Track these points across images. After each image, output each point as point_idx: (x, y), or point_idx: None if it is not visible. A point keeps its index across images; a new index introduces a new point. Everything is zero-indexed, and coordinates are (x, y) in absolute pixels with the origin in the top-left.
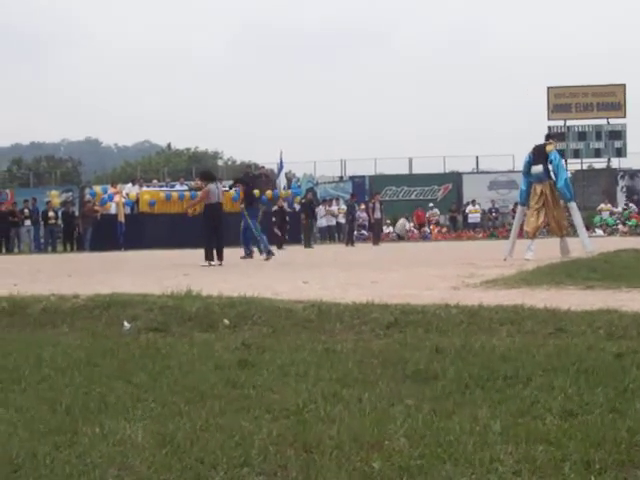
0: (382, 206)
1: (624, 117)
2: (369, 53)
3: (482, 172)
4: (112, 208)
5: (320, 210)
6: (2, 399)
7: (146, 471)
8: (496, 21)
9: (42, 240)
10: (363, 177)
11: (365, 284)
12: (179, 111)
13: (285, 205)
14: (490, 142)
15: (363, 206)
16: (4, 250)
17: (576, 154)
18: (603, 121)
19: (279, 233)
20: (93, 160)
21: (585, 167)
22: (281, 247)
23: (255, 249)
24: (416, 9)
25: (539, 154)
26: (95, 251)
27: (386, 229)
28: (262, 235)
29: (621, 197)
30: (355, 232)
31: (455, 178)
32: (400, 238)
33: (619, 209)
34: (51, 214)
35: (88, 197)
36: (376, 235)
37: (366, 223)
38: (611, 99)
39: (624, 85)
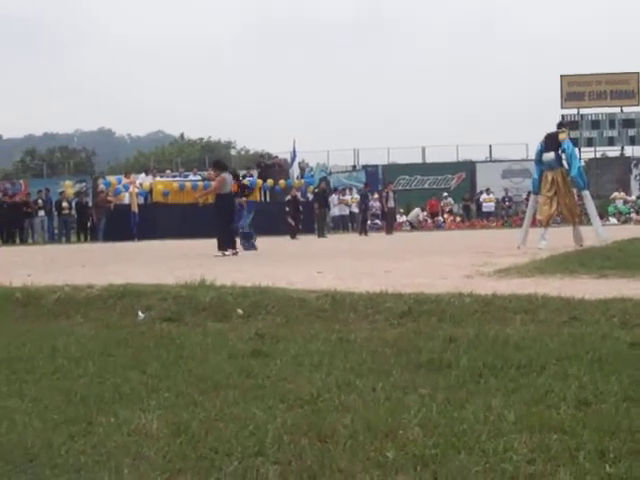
0: (395, 195)
1: (638, 105)
2: (382, 42)
3: (495, 161)
4: (125, 198)
5: (333, 199)
6: (17, 389)
7: (161, 460)
8: (510, 9)
9: (56, 231)
10: (376, 166)
11: (379, 273)
12: (192, 101)
13: (298, 195)
14: (503, 131)
15: (376, 195)
16: (18, 241)
17: (589, 142)
18: (617, 109)
19: (292, 223)
20: (106, 150)
21: (599, 155)
22: (294, 237)
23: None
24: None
25: (551, 142)
26: (108, 241)
27: (399, 218)
28: (249, 230)
29: (635, 185)
30: (368, 221)
31: (468, 167)
32: (413, 227)
33: (633, 197)
34: (65, 204)
35: (101, 187)
36: (389, 224)
37: (379, 212)
38: (625, 87)
39: (638, 73)
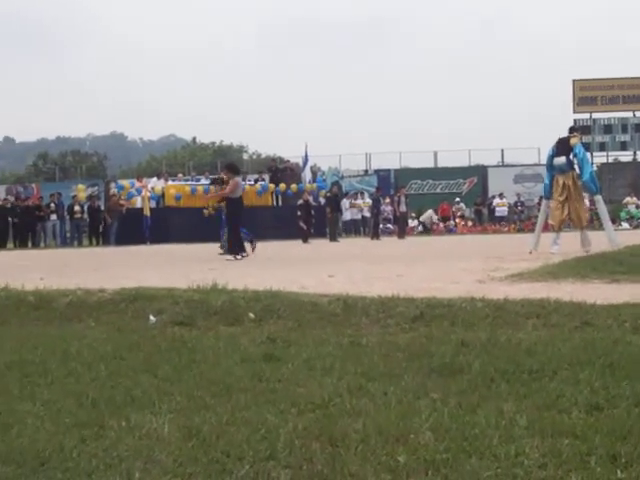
0: (407, 200)
1: None
2: (395, 46)
3: (507, 165)
4: (137, 202)
5: (344, 203)
6: (29, 393)
7: (172, 464)
8: (522, 13)
9: (68, 234)
10: (388, 171)
11: (391, 277)
12: (204, 105)
13: (310, 199)
14: (515, 135)
15: (388, 200)
16: (30, 244)
17: (602, 147)
18: (629, 114)
19: (304, 227)
20: (119, 154)
21: (611, 160)
22: (306, 241)
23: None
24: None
25: (563, 146)
26: (121, 245)
27: (411, 222)
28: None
29: None
30: (380, 226)
31: (480, 171)
32: (425, 228)
33: None
34: (77, 208)
35: (113, 191)
36: (401, 229)
37: (391, 217)
38: (637, 92)
39: None
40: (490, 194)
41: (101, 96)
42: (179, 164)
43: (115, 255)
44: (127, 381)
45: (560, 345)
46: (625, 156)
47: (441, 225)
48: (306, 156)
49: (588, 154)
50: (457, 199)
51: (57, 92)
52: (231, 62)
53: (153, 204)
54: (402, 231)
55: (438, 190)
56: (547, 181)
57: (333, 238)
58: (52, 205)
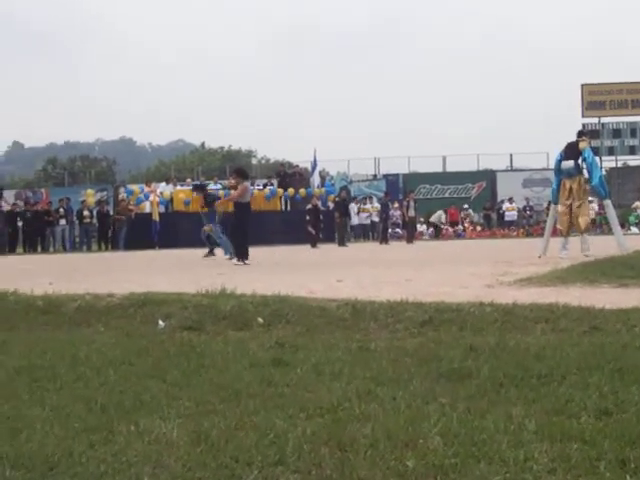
0: (416, 204)
1: None
2: (402, 50)
3: (516, 170)
4: (146, 207)
5: (352, 208)
6: (38, 398)
7: (181, 469)
8: (530, 16)
9: (77, 239)
10: (397, 175)
11: (399, 282)
12: (213, 110)
13: (319, 203)
14: (524, 140)
15: (397, 204)
16: (40, 249)
17: (611, 151)
18: (638, 118)
19: (313, 231)
20: (127, 159)
21: (620, 165)
22: (315, 245)
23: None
24: (450, 2)
25: (571, 150)
26: (130, 250)
27: (420, 227)
28: (222, 237)
29: None
30: (389, 230)
31: (489, 176)
32: (436, 228)
33: None
34: (86, 213)
35: (122, 196)
36: (410, 233)
37: (400, 221)
38: None
39: None
40: (499, 199)
41: (110, 101)
42: (188, 169)
43: (124, 260)
44: (136, 386)
45: (569, 350)
46: (634, 160)
47: (450, 230)
48: (315, 161)
49: (597, 158)
50: (465, 205)
51: (66, 97)
52: (240, 67)
53: (162, 209)
54: (411, 236)
55: (447, 195)
56: (555, 186)
57: (342, 243)
58: (61, 210)
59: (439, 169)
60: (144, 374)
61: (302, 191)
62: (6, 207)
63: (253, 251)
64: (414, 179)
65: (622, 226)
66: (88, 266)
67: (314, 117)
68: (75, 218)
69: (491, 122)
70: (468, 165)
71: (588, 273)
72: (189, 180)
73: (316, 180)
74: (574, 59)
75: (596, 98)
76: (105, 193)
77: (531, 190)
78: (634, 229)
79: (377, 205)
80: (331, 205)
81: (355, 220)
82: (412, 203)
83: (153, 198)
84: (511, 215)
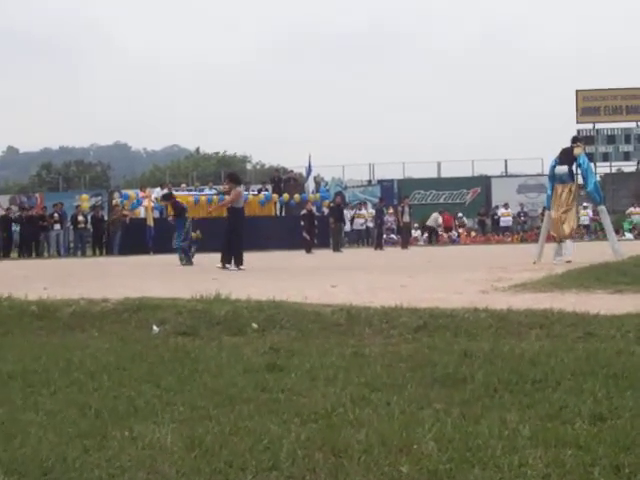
0: (411, 210)
1: None
2: (397, 56)
3: (511, 175)
4: (141, 212)
5: (345, 214)
6: (32, 403)
7: (175, 475)
8: (525, 23)
9: (71, 244)
10: (392, 181)
11: (394, 288)
12: (208, 115)
13: (313, 209)
14: (519, 146)
15: (391, 210)
16: (34, 254)
17: (605, 157)
18: (632, 124)
19: (307, 237)
20: (122, 164)
21: (614, 170)
22: (310, 251)
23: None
24: (445, 10)
25: (566, 156)
26: (124, 255)
27: (415, 233)
28: (181, 245)
29: None
30: (384, 236)
31: (484, 182)
32: (432, 232)
33: None
34: (80, 218)
35: (116, 201)
36: (405, 239)
37: (394, 227)
38: None
39: None
40: (493, 204)
41: (105, 106)
42: (183, 174)
43: (118, 265)
44: (130, 391)
45: (563, 355)
46: (628, 166)
47: (444, 235)
48: (309, 166)
49: (592, 164)
50: (459, 214)
51: (61, 102)
52: (234, 73)
53: (157, 214)
54: (405, 241)
55: (441, 200)
56: (549, 192)
57: (336, 248)
58: (56, 215)
59: (434, 175)
60: (138, 379)
61: (297, 196)
62: (0, 212)
63: (247, 256)
64: (409, 185)
65: (616, 232)
66: (82, 271)
67: (309, 123)
68: (70, 223)
69: (486, 128)
70: (463, 171)
71: (583, 279)
72: (184, 185)
73: (311, 186)
74: (569, 66)
75: (591, 104)
76: (100, 198)
77: (526, 196)
78: (628, 235)
79: (372, 211)
80: (326, 211)
81: (347, 226)
82: (407, 209)
83: (147, 203)
84: (506, 221)
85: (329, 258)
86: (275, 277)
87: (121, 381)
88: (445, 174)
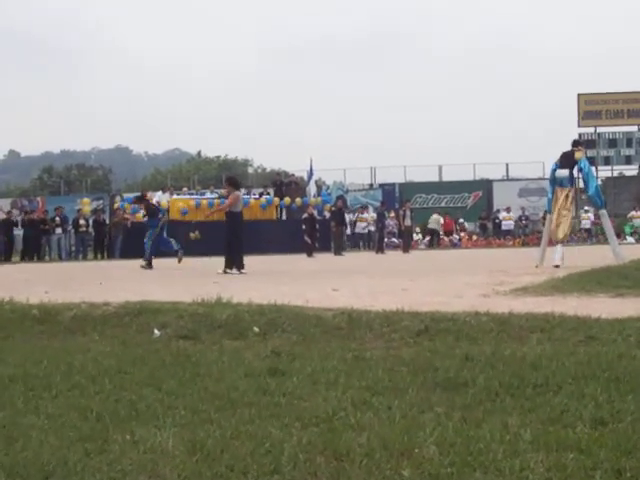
0: (412, 214)
1: None
2: (398, 60)
3: (512, 179)
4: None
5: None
6: (33, 406)
7: (176, 478)
8: (526, 28)
9: (73, 248)
10: (393, 185)
11: (395, 291)
12: (209, 119)
13: (315, 213)
14: (520, 149)
15: (393, 214)
16: (36, 258)
17: (607, 161)
18: (634, 128)
19: (309, 241)
20: (124, 168)
21: (616, 174)
22: (311, 255)
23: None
24: (446, 13)
25: (566, 160)
26: (125, 259)
27: (416, 236)
28: (153, 247)
29: None
30: (385, 240)
31: (485, 185)
32: (434, 234)
33: None
34: (82, 222)
35: (117, 205)
36: (406, 243)
37: (396, 231)
38: None
39: None
40: (495, 208)
41: (106, 110)
42: (184, 178)
43: (120, 269)
44: (131, 395)
45: (565, 359)
46: (630, 170)
47: (446, 239)
48: (311, 170)
49: (593, 168)
50: (461, 220)
51: (62, 106)
52: (235, 76)
53: None
54: (407, 245)
55: (443, 204)
56: (550, 195)
57: (338, 252)
58: (57, 219)
59: (435, 178)
60: (139, 383)
61: (298, 200)
62: (1, 215)
63: (249, 260)
64: (410, 188)
65: (618, 236)
66: (84, 275)
67: (310, 126)
68: (71, 227)
69: (487, 132)
70: (464, 174)
71: (584, 283)
72: (185, 189)
73: (312, 189)
74: (571, 69)
75: (592, 108)
76: (101, 202)
77: (527, 200)
78: (630, 239)
79: (373, 214)
80: (327, 214)
81: (348, 230)
82: (408, 212)
83: None
84: (508, 224)
85: (330, 262)
86: (276, 281)
87: (122, 385)
88: (446, 178)
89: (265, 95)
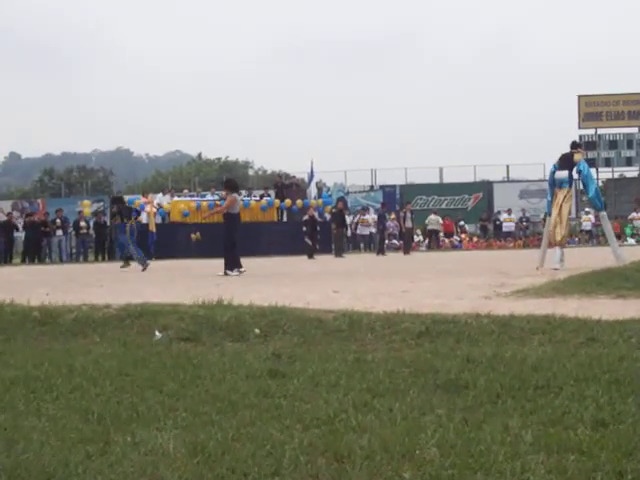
0: (413, 215)
1: None
2: (398, 63)
3: (513, 181)
4: (143, 218)
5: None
6: (34, 408)
7: None
8: (527, 30)
9: (74, 250)
10: (394, 186)
11: (396, 293)
12: (210, 121)
13: (316, 214)
14: (521, 151)
15: (393, 215)
16: (36, 260)
17: (607, 163)
18: (634, 130)
19: (310, 242)
20: (124, 170)
21: (616, 176)
22: (312, 256)
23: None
24: (446, 14)
25: (565, 162)
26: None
27: (417, 238)
28: (135, 247)
29: None
30: (386, 241)
31: (486, 187)
32: (433, 234)
33: None
34: (83, 224)
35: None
36: (407, 244)
37: (396, 232)
38: None
39: None
40: (496, 210)
41: (107, 112)
42: (185, 180)
43: (121, 271)
44: (132, 397)
45: (566, 361)
46: (630, 172)
47: (447, 241)
48: (312, 172)
49: (592, 170)
50: (461, 222)
51: (63, 108)
52: (236, 78)
53: (159, 219)
54: (408, 247)
55: (443, 206)
56: (549, 197)
57: (338, 254)
58: (58, 221)
59: (436, 180)
60: (141, 385)
61: (299, 202)
62: (2, 217)
63: (250, 262)
64: (411, 190)
65: (618, 237)
66: (85, 277)
67: (311, 128)
68: (72, 229)
69: (488, 134)
70: (465, 176)
71: (585, 284)
72: (186, 191)
73: (313, 191)
74: (571, 70)
75: (593, 109)
76: (102, 204)
77: (528, 201)
78: (630, 240)
79: (374, 216)
80: (328, 216)
81: (348, 232)
82: (409, 214)
83: (150, 209)
84: (509, 226)
85: (331, 263)
86: (277, 283)
87: (123, 387)
88: (447, 180)
89: (266, 97)
